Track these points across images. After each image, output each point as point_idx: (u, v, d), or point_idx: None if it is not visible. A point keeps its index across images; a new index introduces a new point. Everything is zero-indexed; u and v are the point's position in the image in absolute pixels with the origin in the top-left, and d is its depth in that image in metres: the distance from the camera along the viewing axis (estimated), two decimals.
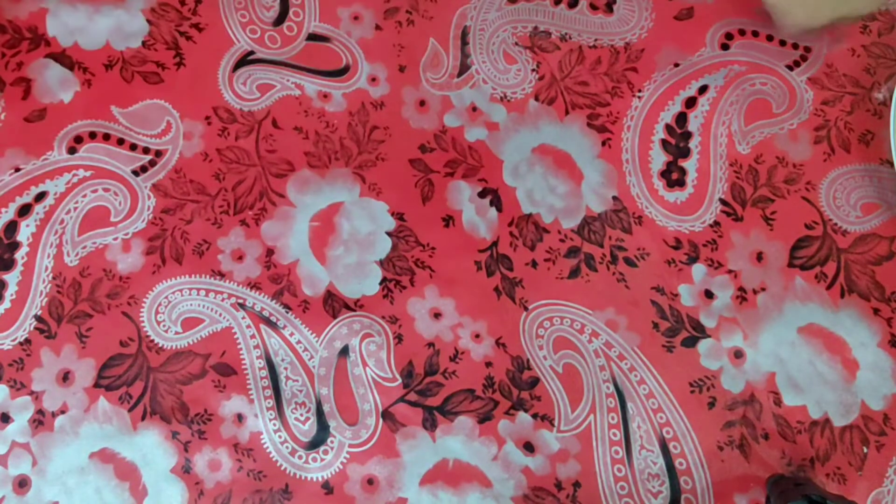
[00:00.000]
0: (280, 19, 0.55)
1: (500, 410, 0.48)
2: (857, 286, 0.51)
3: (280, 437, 0.47)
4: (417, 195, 0.52)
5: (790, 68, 0.55)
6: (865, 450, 0.48)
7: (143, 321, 0.49)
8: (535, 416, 0.48)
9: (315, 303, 0.50)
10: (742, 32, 0.56)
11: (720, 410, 0.49)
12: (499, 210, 0.52)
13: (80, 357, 0.48)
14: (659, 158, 0.53)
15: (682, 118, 0.54)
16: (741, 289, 0.51)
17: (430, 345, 0.49)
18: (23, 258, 0.50)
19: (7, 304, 0.49)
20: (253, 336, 0.49)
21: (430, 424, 0.48)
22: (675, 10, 0.56)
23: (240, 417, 0.48)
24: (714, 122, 0.54)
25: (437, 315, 0.50)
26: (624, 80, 0.55)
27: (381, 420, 0.48)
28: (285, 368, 0.49)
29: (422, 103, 0.54)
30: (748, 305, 0.51)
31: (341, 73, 0.55)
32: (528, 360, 0.49)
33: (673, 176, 0.53)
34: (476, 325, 0.50)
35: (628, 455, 0.48)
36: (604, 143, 0.53)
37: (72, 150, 0.51)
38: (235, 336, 0.49)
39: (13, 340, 0.48)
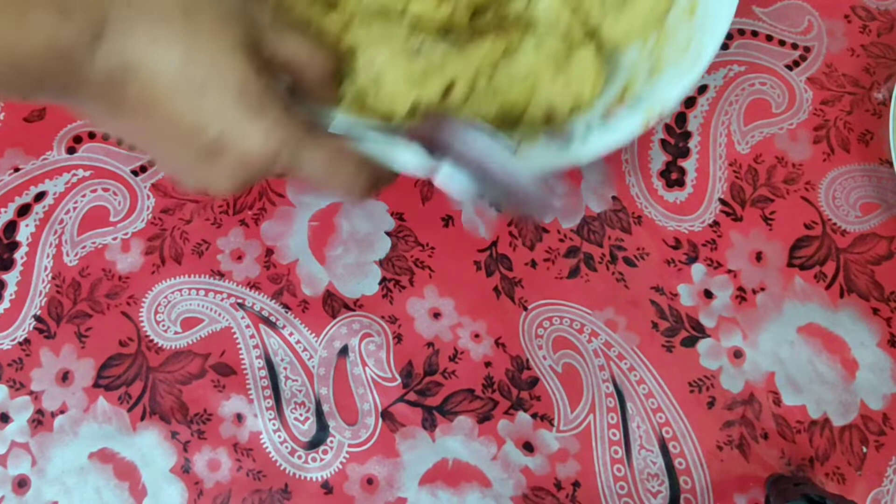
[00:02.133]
0: None
1: (500, 410, 0.48)
2: (856, 286, 0.51)
3: (279, 437, 0.47)
4: (417, 195, 0.52)
5: (789, 68, 0.55)
6: (865, 449, 0.48)
7: (142, 321, 0.49)
8: (534, 415, 0.48)
9: (314, 303, 0.50)
10: (742, 32, 0.56)
11: (719, 410, 0.49)
12: (498, 210, 0.52)
13: (79, 357, 0.48)
14: (658, 158, 0.53)
15: (681, 118, 0.54)
16: (741, 288, 0.51)
17: (430, 345, 0.49)
18: (22, 258, 0.50)
19: (6, 304, 0.49)
20: (252, 336, 0.49)
21: (429, 424, 0.48)
22: None
23: (239, 417, 0.48)
24: (713, 121, 0.54)
25: (436, 315, 0.50)
26: None
27: (380, 420, 0.48)
28: (285, 368, 0.49)
29: None
30: (747, 305, 0.51)
31: None
32: (527, 360, 0.49)
33: (672, 176, 0.53)
34: (475, 325, 0.50)
35: (627, 455, 0.48)
36: None
37: (71, 150, 0.51)
38: (235, 336, 0.49)
39: (12, 340, 0.48)
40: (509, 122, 0.45)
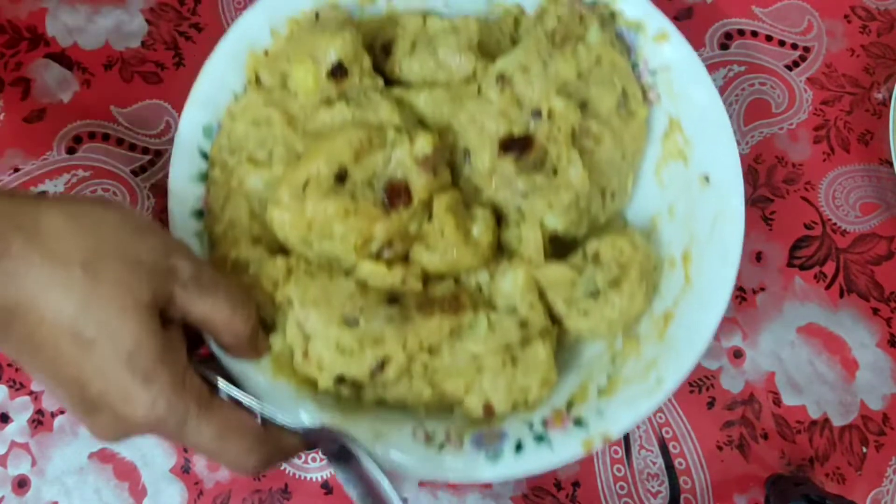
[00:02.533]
0: None
1: None
2: (856, 286, 0.51)
3: None
4: None
5: (789, 68, 0.55)
6: (865, 450, 0.48)
7: None
8: None
9: None
10: (741, 32, 0.56)
11: (719, 410, 0.49)
12: None
13: None
14: None
15: None
16: (741, 289, 0.51)
17: None
18: None
19: None
20: None
21: None
22: (675, 11, 0.56)
23: None
24: None
25: None
26: None
27: None
28: None
29: None
30: (747, 305, 0.51)
31: None
32: None
33: None
34: None
35: (627, 455, 0.48)
36: None
37: (71, 151, 0.51)
38: None
39: None
40: (442, 410, 0.42)
